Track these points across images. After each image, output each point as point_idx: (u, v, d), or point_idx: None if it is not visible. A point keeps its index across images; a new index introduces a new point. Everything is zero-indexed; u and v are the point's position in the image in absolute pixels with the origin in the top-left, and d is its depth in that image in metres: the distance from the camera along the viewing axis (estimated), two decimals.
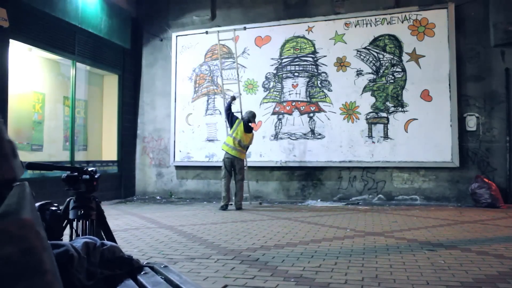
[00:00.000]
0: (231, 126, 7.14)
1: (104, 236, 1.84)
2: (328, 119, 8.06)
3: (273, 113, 8.40)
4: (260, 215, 6.19)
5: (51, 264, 0.31)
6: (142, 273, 1.21)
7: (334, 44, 8.14)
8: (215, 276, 2.86)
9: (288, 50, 8.42)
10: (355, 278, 2.78)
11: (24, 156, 6.95)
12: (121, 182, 8.99)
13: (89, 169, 1.80)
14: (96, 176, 1.78)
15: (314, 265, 3.14)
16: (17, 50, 6.82)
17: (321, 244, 3.92)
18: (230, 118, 7.18)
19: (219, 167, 8.93)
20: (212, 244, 4.00)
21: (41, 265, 0.30)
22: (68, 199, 1.84)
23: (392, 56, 7.82)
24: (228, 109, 7.25)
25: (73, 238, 1.62)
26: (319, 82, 8.17)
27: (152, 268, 1.26)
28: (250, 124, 7.14)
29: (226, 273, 2.94)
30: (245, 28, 8.29)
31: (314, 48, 8.25)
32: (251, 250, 3.71)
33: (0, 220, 0.28)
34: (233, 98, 7.42)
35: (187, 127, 9.01)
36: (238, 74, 8.18)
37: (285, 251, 3.65)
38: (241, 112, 7.69)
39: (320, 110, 8.13)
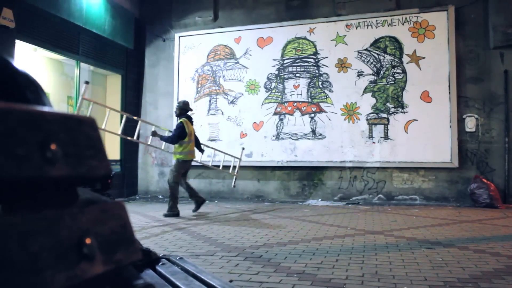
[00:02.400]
0: (184, 137, 6.29)
1: None
2: (329, 119, 8.15)
3: (275, 114, 8.50)
4: (262, 214, 6.28)
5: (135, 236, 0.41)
6: (160, 263, 1.31)
7: (335, 46, 8.23)
8: (220, 272, 2.95)
9: (289, 51, 8.51)
10: (356, 274, 2.87)
11: None
12: (123, 181, 9.09)
13: None
14: (111, 175, 1.87)
15: (316, 261, 3.24)
16: (23, 50, 6.91)
17: (323, 242, 4.02)
18: (180, 136, 6.29)
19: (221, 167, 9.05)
20: (216, 241, 4.10)
21: (132, 236, 0.40)
22: None
23: (392, 58, 7.91)
24: (176, 138, 6.30)
25: None
26: (320, 83, 8.27)
27: (168, 260, 1.35)
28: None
29: (230, 269, 3.04)
30: None
31: (316, 49, 8.35)
32: (254, 247, 3.80)
33: (104, 203, 0.37)
34: (154, 134, 6.48)
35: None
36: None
37: (287, 248, 3.75)
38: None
39: (321, 110, 8.22)
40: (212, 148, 7.73)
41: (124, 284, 0.48)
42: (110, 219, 0.34)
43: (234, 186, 7.82)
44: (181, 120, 6.36)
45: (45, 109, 0.38)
